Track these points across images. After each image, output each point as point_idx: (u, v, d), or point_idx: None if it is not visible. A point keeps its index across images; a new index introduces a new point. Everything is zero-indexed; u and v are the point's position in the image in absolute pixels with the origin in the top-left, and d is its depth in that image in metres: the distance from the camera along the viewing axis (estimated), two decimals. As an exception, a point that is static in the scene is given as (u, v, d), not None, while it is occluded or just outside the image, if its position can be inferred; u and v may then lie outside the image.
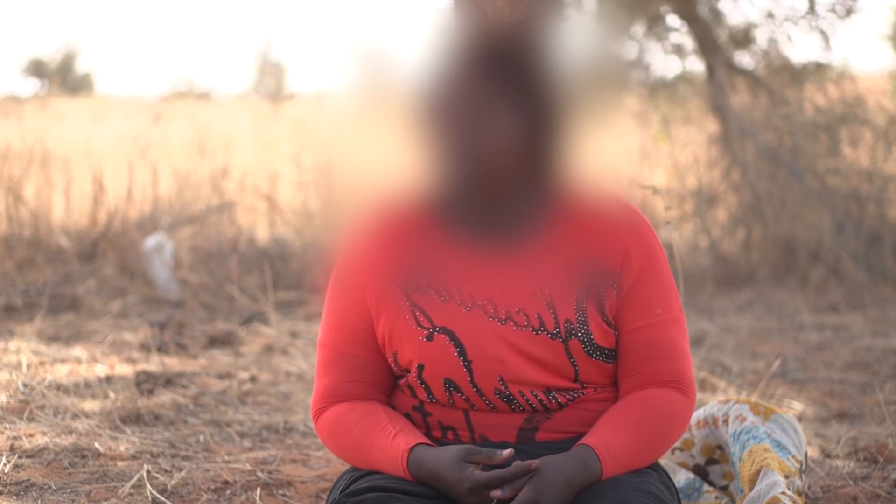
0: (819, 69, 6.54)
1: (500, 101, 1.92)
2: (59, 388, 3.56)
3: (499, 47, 1.94)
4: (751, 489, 2.21)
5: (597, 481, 1.88)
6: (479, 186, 1.94)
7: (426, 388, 1.99)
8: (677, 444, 2.45)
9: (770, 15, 6.52)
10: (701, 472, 2.44)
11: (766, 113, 6.50)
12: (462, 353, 1.95)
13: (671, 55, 6.80)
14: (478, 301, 1.96)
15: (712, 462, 2.43)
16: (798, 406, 3.55)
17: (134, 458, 2.90)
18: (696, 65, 6.95)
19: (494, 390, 1.96)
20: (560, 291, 1.95)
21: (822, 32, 6.41)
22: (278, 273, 5.68)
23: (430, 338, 1.96)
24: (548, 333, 1.94)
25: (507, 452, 1.84)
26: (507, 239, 1.98)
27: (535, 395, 1.96)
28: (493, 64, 1.92)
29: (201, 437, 3.13)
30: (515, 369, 1.94)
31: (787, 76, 6.61)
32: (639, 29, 6.69)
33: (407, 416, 2.03)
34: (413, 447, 1.91)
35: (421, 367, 1.97)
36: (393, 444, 1.93)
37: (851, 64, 8.32)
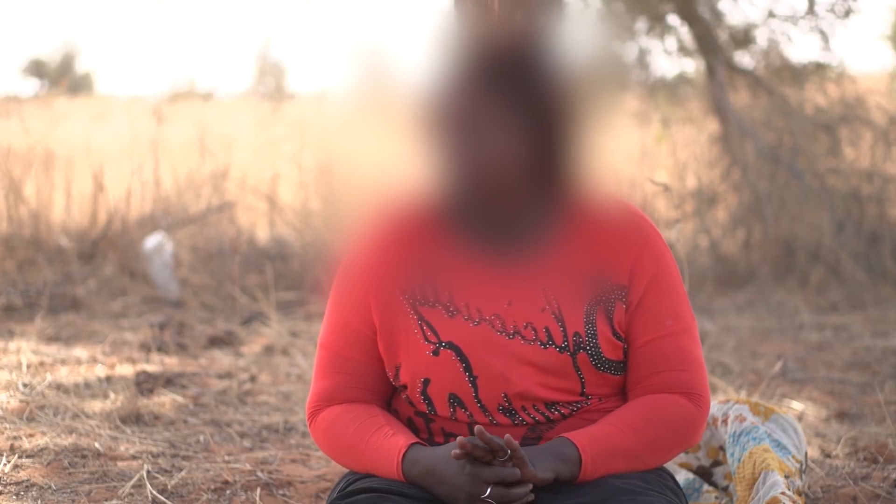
0: (819, 69, 6.54)
1: (506, 110, 1.88)
2: (59, 388, 3.56)
3: (503, 52, 1.91)
4: (748, 491, 2.21)
5: (576, 458, 1.87)
6: (486, 197, 1.91)
7: (429, 402, 1.97)
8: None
9: (770, 15, 6.52)
10: (705, 473, 2.44)
11: (766, 113, 6.51)
12: (468, 368, 1.93)
13: (671, 55, 6.81)
14: (485, 316, 1.94)
15: (717, 464, 2.43)
16: (798, 406, 3.55)
17: (134, 458, 2.90)
18: (697, 65, 6.95)
19: (498, 406, 1.94)
20: (569, 304, 1.94)
21: (822, 32, 6.41)
22: (278, 273, 5.68)
23: (436, 353, 1.94)
24: (556, 347, 1.92)
25: (506, 438, 1.84)
26: (514, 250, 1.96)
27: (538, 410, 1.95)
28: (498, 70, 1.89)
29: (201, 437, 3.14)
30: (520, 386, 1.92)
31: (787, 76, 6.61)
32: (640, 29, 6.69)
33: (409, 420, 2.01)
34: (412, 444, 1.91)
35: (426, 382, 1.96)
36: (390, 440, 1.92)
37: (849, 64, 8.33)
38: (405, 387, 1.99)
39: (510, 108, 1.89)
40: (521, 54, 1.92)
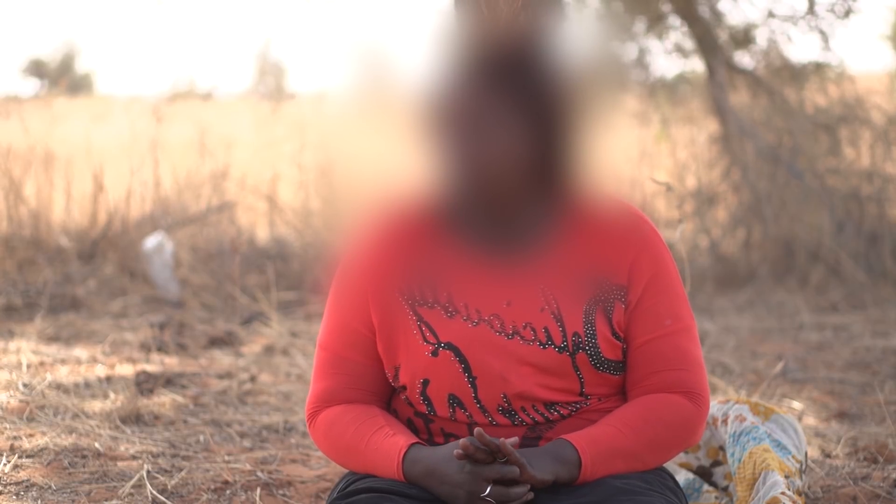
0: (819, 69, 6.54)
1: (508, 108, 1.89)
2: (59, 388, 3.56)
3: (505, 51, 1.91)
4: (748, 491, 2.21)
5: (575, 460, 1.87)
6: (487, 196, 1.91)
7: (428, 403, 1.97)
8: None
9: (770, 15, 6.52)
10: (705, 473, 2.44)
11: (766, 113, 6.51)
12: (467, 368, 1.93)
13: (671, 55, 6.81)
14: (484, 316, 1.94)
15: (716, 464, 2.43)
16: (798, 406, 3.55)
17: (134, 458, 2.90)
18: (696, 65, 6.96)
19: (497, 406, 1.94)
20: (568, 304, 1.94)
21: (822, 32, 6.41)
22: (278, 273, 5.68)
23: (435, 353, 1.94)
24: (555, 347, 1.92)
25: (513, 440, 1.83)
26: (514, 250, 1.96)
27: (537, 410, 1.95)
28: (500, 69, 1.89)
29: (201, 437, 3.14)
30: (519, 386, 1.92)
31: (786, 76, 6.62)
32: (639, 28, 6.69)
33: (409, 421, 2.01)
34: (412, 444, 1.91)
35: (426, 383, 1.96)
36: (390, 440, 1.92)
37: (849, 64, 8.33)
38: (404, 387, 1.99)
39: (514, 107, 1.89)
40: (524, 54, 1.92)
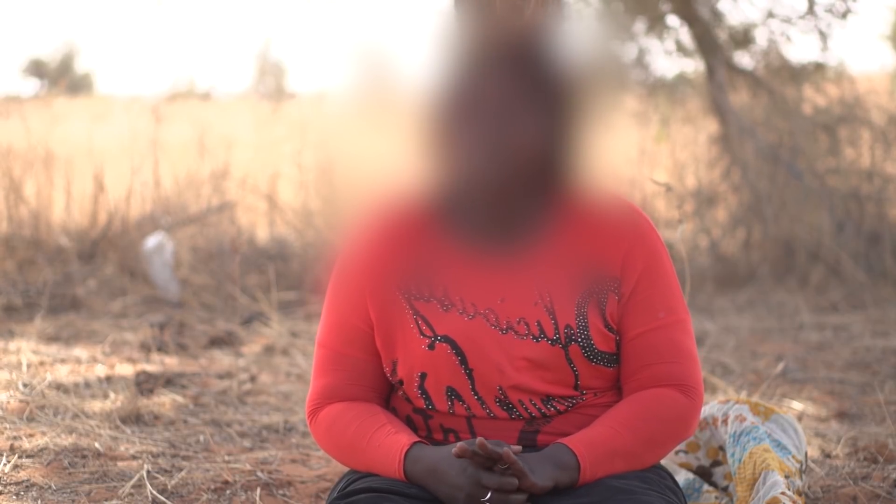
0: (818, 69, 6.55)
1: (520, 101, 1.90)
2: (59, 388, 3.56)
3: (516, 45, 1.92)
4: (748, 491, 2.21)
5: (574, 465, 1.87)
6: (497, 188, 1.91)
7: (426, 397, 1.98)
8: (681, 446, 2.44)
9: (770, 15, 6.52)
10: (705, 473, 2.44)
11: (766, 113, 6.51)
12: (463, 361, 1.94)
13: (671, 55, 6.81)
14: (480, 310, 1.95)
15: (717, 464, 2.43)
16: (798, 406, 3.55)
17: (134, 458, 2.90)
18: (697, 65, 6.96)
19: (495, 398, 1.95)
20: (561, 297, 1.94)
21: (821, 32, 6.41)
22: (278, 273, 5.68)
23: (431, 346, 1.95)
24: (548, 340, 1.93)
25: (516, 448, 1.84)
26: (510, 244, 1.97)
27: (534, 404, 1.95)
28: (512, 62, 1.91)
29: (201, 437, 3.14)
30: (515, 378, 1.93)
31: (786, 76, 6.62)
32: (639, 28, 6.69)
33: (408, 418, 2.02)
34: (415, 443, 1.91)
35: (423, 376, 1.97)
36: (392, 438, 1.92)
37: (848, 64, 8.33)
38: (402, 382, 1.99)
39: (525, 100, 1.90)
40: (535, 48, 1.93)
